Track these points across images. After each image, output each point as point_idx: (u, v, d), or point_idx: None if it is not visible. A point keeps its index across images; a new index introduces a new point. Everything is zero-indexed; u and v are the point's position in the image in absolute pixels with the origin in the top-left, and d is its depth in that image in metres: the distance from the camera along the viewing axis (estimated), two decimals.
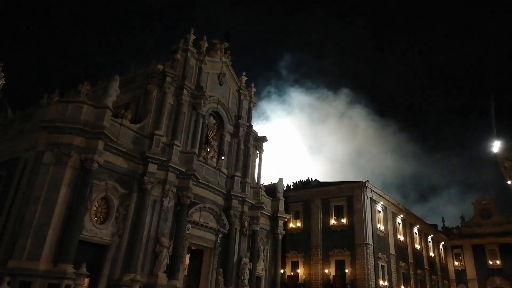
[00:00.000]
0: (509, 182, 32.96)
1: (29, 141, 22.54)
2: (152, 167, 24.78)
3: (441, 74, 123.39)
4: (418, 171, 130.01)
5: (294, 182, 47.92)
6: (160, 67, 27.56)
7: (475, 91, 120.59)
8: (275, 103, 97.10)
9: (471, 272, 55.70)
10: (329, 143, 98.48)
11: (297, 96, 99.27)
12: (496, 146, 32.75)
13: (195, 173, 27.09)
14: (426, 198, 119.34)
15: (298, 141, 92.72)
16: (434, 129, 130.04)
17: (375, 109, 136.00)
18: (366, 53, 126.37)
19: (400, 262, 42.59)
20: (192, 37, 30.62)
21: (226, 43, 34.62)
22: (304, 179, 47.87)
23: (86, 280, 20.30)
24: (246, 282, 30.18)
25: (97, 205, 22.38)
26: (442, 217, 63.89)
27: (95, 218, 22.10)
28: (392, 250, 41.24)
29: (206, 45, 31.98)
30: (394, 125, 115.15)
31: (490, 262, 54.09)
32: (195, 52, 30.68)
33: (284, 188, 39.92)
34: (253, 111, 37.36)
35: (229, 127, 33.44)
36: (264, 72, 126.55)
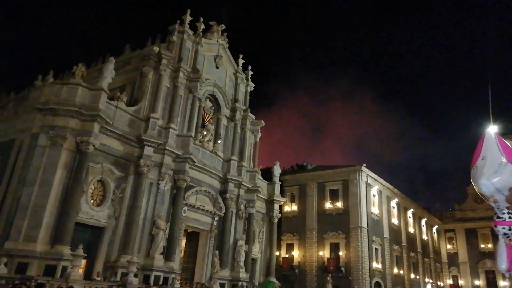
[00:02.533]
0: None
1: (24, 123, 22.34)
2: (148, 150, 24.70)
3: (443, 59, 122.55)
4: (424, 156, 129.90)
5: (291, 166, 48.14)
6: (156, 49, 27.16)
7: (477, 74, 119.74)
8: (278, 84, 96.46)
9: (463, 255, 56.75)
10: (333, 125, 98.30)
11: (301, 77, 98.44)
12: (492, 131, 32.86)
13: (192, 156, 27.07)
14: (431, 182, 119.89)
15: (301, 123, 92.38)
16: (440, 114, 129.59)
17: (381, 92, 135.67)
18: (372, 34, 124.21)
19: (394, 245, 43.26)
20: (189, 18, 30.03)
21: (223, 25, 34.05)
22: (300, 163, 48.13)
23: (83, 262, 20.46)
24: (242, 264, 30.60)
25: (93, 188, 22.41)
26: (437, 201, 64.47)
27: (92, 201, 22.16)
28: (386, 234, 41.84)
29: (202, 26, 31.42)
30: (400, 108, 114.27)
31: (482, 246, 55.03)
32: (192, 34, 30.18)
33: (280, 172, 40.12)
34: (254, 93, 37.26)
35: (226, 111, 33.25)
36: (267, 53, 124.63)
